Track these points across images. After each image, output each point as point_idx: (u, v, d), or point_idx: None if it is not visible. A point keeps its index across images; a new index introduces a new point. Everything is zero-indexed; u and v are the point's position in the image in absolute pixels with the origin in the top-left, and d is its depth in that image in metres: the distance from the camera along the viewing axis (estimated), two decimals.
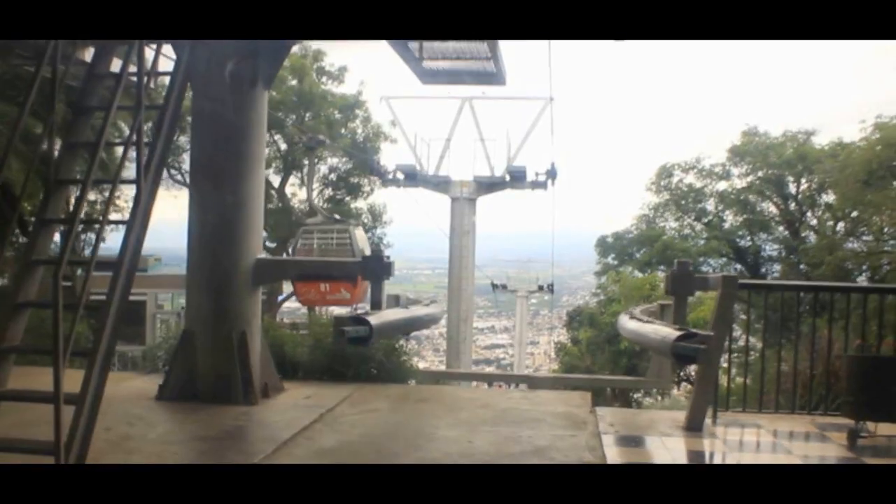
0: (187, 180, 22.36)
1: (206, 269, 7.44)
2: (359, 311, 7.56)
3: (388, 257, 7.60)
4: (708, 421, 6.52)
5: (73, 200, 9.73)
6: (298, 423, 6.36)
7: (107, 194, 6.25)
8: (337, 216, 16.49)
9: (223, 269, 7.35)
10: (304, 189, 26.70)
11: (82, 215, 6.52)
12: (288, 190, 26.63)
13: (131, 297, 5.10)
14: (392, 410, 7.15)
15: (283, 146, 25.51)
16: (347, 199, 26.56)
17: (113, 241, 6.48)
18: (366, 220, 25.81)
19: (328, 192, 26.78)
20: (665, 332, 6.52)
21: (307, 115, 25.35)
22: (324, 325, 9.17)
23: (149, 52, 5.77)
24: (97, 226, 5.61)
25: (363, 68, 26.70)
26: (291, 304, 28.69)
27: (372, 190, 26.31)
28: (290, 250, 17.09)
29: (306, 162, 25.84)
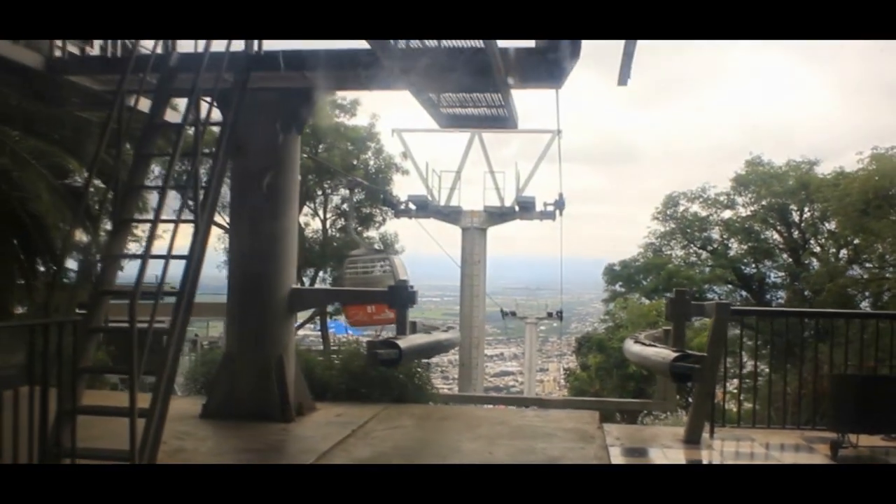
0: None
1: (245, 298, 8.14)
2: (388, 336, 8.18)
3: (412, 286, 8.25)
4: (705, 435, 7.15)
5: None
6: (334, 437, 7.02)
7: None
8: (377, 247, 17.19)
9: (261, 298, 8.03)
10: (317, 219, 27.53)
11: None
12: (301, 220, 27.30)
13: (159, 326, 5.54)
14: (417, 427, 7.79)
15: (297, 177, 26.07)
16: (360, 228, 27.17)
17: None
18: (378, 249, 26.38)
19: (341, 221, 27.45)
20: (664, 353, 7.18)
21: (320, 147, 26.03)
22: (341, 350, 9.86)
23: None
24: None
25: (374, 102, 27.49)
26: (302, 332, 29.33)
27: (384, 220, 26.89)
28: (342, 277, 17.80)
29: (316, 191, 26.61)
